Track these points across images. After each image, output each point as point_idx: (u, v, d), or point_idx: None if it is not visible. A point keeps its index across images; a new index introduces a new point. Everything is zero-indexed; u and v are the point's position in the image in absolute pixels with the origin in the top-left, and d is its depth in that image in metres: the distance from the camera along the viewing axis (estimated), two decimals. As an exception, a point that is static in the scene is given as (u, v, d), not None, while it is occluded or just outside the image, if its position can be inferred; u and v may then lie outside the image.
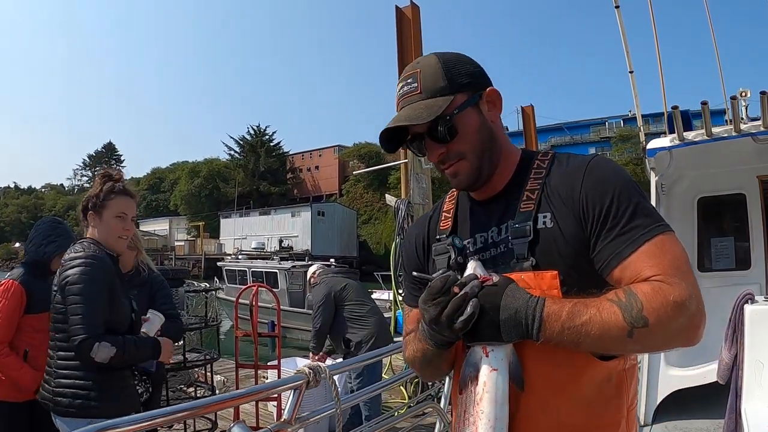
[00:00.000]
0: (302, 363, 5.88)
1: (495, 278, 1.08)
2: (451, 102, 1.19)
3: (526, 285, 1.10)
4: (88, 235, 2.65)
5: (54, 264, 3.02)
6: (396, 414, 4.21)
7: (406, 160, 6.84)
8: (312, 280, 5.62)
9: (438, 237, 1.34)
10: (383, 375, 6.64)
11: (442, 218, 1.37)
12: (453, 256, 1.25)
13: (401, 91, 1.23)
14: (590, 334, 1.00)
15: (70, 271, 2.45)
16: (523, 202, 1.19)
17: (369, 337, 4.92)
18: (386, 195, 8.21)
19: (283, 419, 2.41)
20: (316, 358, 5.07)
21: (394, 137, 1.27)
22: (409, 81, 1.22)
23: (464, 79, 1.22)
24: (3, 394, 2.94)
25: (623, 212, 1.09)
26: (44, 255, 3.12)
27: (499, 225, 1.23)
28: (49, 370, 2.54)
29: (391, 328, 6.63)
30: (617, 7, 4.64)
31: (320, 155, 69.87)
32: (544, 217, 1.16)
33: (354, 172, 53.22)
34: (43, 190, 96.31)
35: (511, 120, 43.37)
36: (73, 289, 2.42)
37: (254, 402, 4.75)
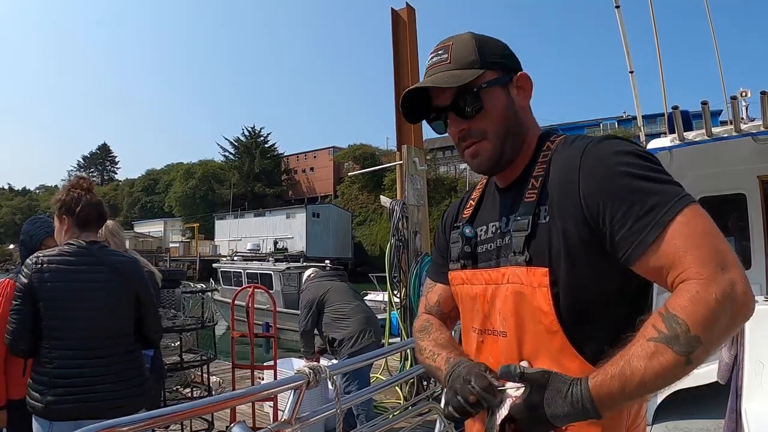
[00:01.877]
0: (298, 363, 5.90)
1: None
2: (480, 75, 1.16)
3: (518, 280, 1.11)
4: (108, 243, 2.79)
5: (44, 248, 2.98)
6: (391, 416, 4.19)
7: (401, 162, 6.81)
8: (304, 284, 5.71)
9: (457, 224, 1.36)
10: (379, 375, 6.62)
11: (468, 205, 1.38)
12: (460, 245, 1.28)
13: (431, 61, 1.21)
14: (650, 386, 0.91)
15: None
16: (528, 191, 1.16)
17: (351, 335, 4.95)
18: (381, 196, 8.21)
19: (283, 419, 2.39)
20: (312, 360, 5.07)
21: (416, 108, 1.25)
22: (440, 52, 1.20)
23: (496, 58, 1.20)
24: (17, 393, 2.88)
25: (635, 194, 0.98)
26: (36, 241, 3.09)
27: (508, 215, 1.20)
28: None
29: (386, 330, 6.60)
30: (617, 6, 4.65)
31: (315, 157, 69.82)
32: (544, 210, 1.12)
33: (349, 174, 53.22)
34: (37, 191, 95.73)
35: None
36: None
37: (250, 402, 4.72)
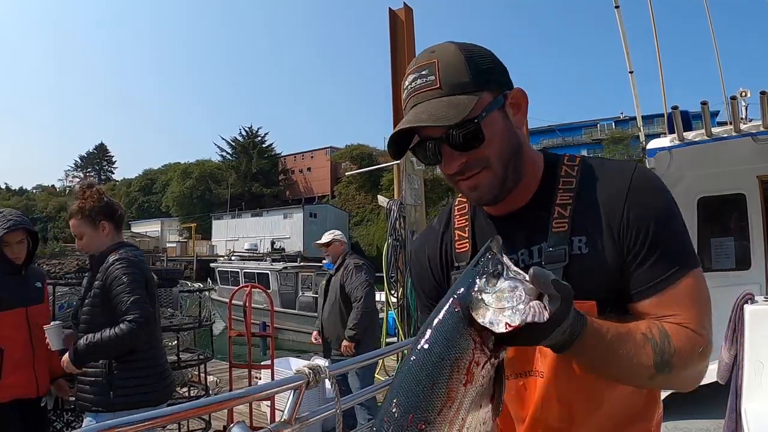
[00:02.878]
0: (295, 363, 5.88)
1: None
2: (477, 102, 1.01)
3: None
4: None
5: (11, 248, 2.99)
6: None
7: (399, 162, 6.81)
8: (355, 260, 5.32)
9: (458, 264, 1.20)
10: (377, 375, 6.61)
11: (457, 238, 1.22)
12: None
13: (413, 84, 1.04)
14: (620, 365, 0.97)
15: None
16: (555, 220, 1.07)
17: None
18: (378, 196, 8.23)
19: (282, 419, 2.38)
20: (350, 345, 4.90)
21: (399, 140, 1.08)
22: (423, 73, 1.02)
23: (489, 75, 1.04)
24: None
25: (664, 241, 1.03)
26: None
27: (530, 246, 1.10)
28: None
29: (383, 330, 6.59)
30: (617, 7, 4.64)
31: (312, 157, 69.78)
32: (580, 240, 1.05)
33: (346, 173, 53.25)
34: (34, 191, 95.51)
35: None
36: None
37: (247, 402, 4.70)
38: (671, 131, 4.38)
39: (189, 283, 6.74)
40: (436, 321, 0.88)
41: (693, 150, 4.35)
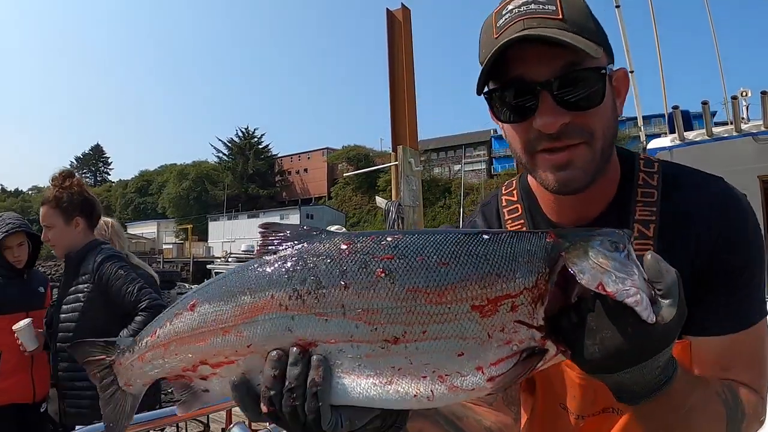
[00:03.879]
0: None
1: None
2: (603, 56, 0.83)
3: None
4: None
5: (11, 251, 2.98)
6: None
7: (397, 163, 6.78)
8: None
9: None
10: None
11: None
12: None
13: (523, 8, 0.83)
14: (686, 426, 0.79)
15: None
16: (635, 241, 0.90)
17: None
18: (377, 197, 8.19)
19: None
20: None
21: (485, 70, 0.84)
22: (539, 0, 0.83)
23: (604, 36, 0.86)
24: None
25: (749, 283, 0.89)
26: None
27: None
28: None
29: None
30: (617, 6, 4.63)
31: (309, 158, 69.76)
32: None
33: (344, 174, 53.20)
34: (30, 192, 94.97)
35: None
36: None
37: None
38: (672, 131, 4.37)
39: (187, 285, 6.69)
40: (513, 232, 0.72)
41: (694, 150, 4.33)
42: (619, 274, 0.64)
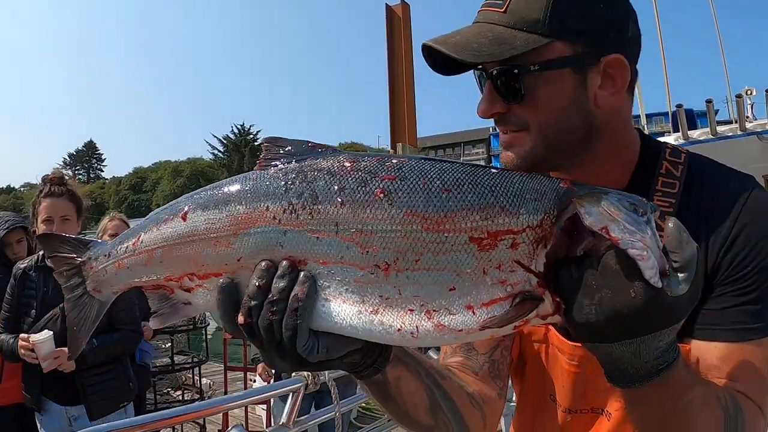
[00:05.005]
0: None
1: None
2: (539, 48, 0.80)
3: None
4: None
5: (11, 248, 3.00)
6: (387, 421, 4.10)
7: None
8: None
9: None
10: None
11: None
12: None
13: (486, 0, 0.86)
14: (682, 420, 0.75)
15: None
16: None
17: None
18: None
19: (281, 422, 2.32)
20: None
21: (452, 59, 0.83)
22: None
23: (581, 23, 0.81)
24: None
25: (763, 285, 0.82)
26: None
27: None
28: None
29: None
30: (620, 3, 4.59)
31: (305, 156, 69.79)
32: None
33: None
34: (22, 189, 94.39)
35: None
36: None
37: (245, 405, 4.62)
38: (675, 130, 4.35)
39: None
40: (526, 173, 0.69)
41: (698, 149, 4.30)
42: (629, 227, 0.60)
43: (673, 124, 4.46)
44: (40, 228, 2.64)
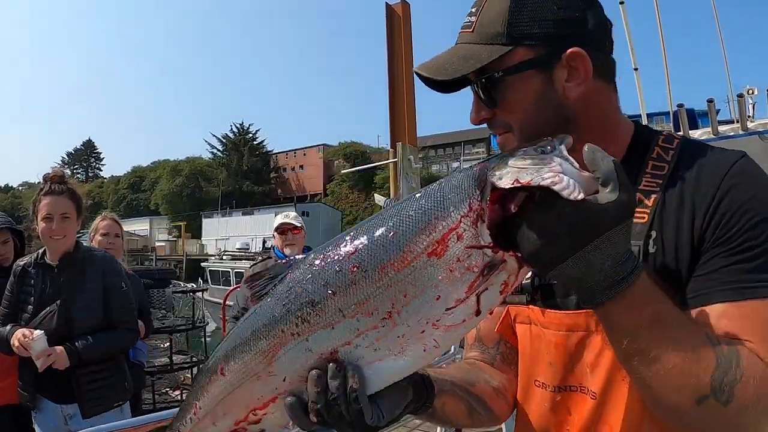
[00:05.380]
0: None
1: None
2: (503, 57, 0.88)
3: None
4: None
5: None
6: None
7: (395, 160, 6.73)
8: None
9: None
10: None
11: None
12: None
13: (464, 21, 0.96)
14: (668, 358, 0.74)
15: None
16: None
17: None
18: (375, 195, 8.17)
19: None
20: None
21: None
22: (472, 10, 0.94)
23: (537, 27, 0.88)
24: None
25: (753, 243, 0.80)
26: None
27: None
28: None
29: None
30: (622, 2, 4.58)
31: (305, 154, 69.52)
32: (653, 237, 0.88)
33: (342, 171, 53.17)
34: (20, 188, 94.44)
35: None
36: None
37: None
38: (677, 129, 4.33)
39: (182, 284, 6.61)
40: (445, 179, 0.79)
41: (699, 149, 4.30)
42: (535, 167, 0.70)
43: (674, 124, 4.45)
44: (40, 226, 2.64)
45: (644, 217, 0.88)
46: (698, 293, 0.82)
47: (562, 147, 0.73)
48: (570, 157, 0.71)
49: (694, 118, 4.33)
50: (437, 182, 0.78)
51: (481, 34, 0.91)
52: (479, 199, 0.72)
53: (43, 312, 2.62)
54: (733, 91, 4.49)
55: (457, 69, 0.90)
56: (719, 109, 4.87)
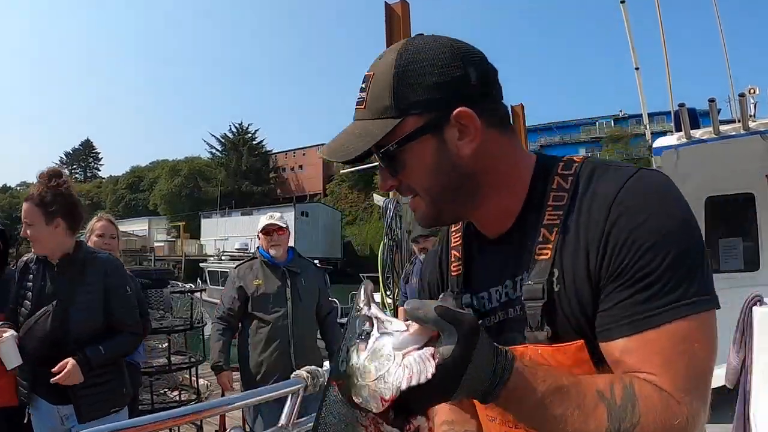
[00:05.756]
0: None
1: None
2: (395, 129, 0.90)
3: (544, 362, 0.87)
4: None
5: None
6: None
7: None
8: None
9: (453, 290, 1.09)
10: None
11: (452, 259, 1.11)
12: None
13: (357, 97, 0.97)
14: (555, 429, 0.78)
15: None
16: (538, 246, 0.91)
17: None
18: (374, 195, 8.16)
19: (280, 424, 2.29)
20: None
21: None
22: (362, 86, 0.95)
23: (423, 94, 0.89)
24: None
25: (655, 268, 0.81)
26: None
27: (514, 277, 0.96)
28: None
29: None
30: (623, 2, 4.58)
31: (304, 154, 69.50)
32: (558, 273, 0.89)
33: (341, 171, 53.16)
34: (18, 188, 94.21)
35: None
36: None
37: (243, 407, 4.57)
38: (678, 129, 4.33)
39: (180, 284, 6.60)
40: (324, 409, 0.81)
41: (700, 148, 4.30)
42: (381, 377, 0.72)
43: (676, 124, 4.45)
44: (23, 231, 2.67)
45: (548, 254, 0.90)
46: (602, 329, 0.85)
47: (373, 312, 0.77)
48: (386, 326, 0.76)
49: (696, 118, 4.31)
50: (320, 420, 0.82)
51: (372, 109, 0.92)
52: (369, 417, 0.76)
53: (39, 312, 2.59)
54: (734, 91, 4.49)
55: (356, 148, 0.92)
56: (720, 109, 4.89)
